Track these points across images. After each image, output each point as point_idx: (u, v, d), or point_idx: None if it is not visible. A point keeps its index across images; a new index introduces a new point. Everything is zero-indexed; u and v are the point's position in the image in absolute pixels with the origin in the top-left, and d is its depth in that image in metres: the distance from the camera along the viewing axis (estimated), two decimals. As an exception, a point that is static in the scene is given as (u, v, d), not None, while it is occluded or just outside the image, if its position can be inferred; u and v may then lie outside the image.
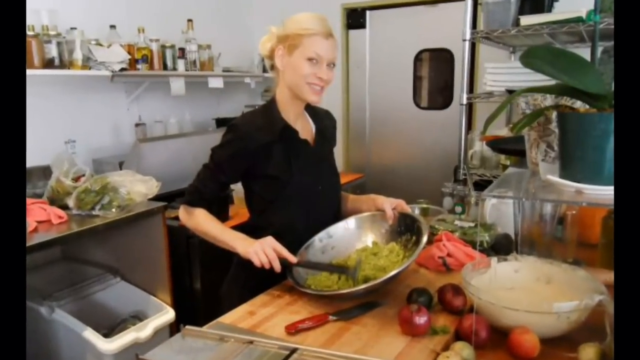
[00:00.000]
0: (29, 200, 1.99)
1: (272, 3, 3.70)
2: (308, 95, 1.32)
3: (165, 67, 2.91)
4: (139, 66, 2.71)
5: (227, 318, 1.19)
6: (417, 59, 3.47)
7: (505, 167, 2.31)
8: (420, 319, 1.05)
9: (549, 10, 2.20)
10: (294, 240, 1.37)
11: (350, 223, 1.47)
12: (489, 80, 2.40)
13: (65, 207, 2.03)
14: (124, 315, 2.25)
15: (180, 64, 2.95)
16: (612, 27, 1.89)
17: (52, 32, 2.31)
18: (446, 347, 1.01)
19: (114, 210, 2.01)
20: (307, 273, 1.34)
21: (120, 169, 2.43)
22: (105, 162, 2.61)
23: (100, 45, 2.54)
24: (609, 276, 1.11)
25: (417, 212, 1.97)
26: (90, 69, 2.46)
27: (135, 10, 2.93)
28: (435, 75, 3.54)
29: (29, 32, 2.23)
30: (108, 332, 2.10)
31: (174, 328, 2.15)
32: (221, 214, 2.33)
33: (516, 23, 2.16)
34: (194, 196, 1.39)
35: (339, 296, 1.23)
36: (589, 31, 2.00)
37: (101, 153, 2.76)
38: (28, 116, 1.99)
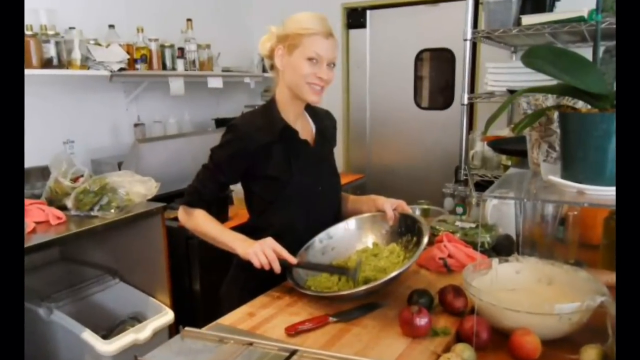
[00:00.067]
0: (27, 201, 1.99)
1: (272, 3, 3.69)
2: (308, 95, 1.32)
3: (164, 67, 2.90)
4: (137, 66, 2.71)
5: (227, 319, 1.18)
6: (418, 58, 3.46)
7: (506, 167, 2.31)
8: (421, 321, 1.05)
9: (551, 9, 2.20)
10: (294, 241, 1.36)
11: (350, 224, 1.46)
12: (490, 80, 2.40)
13: (63, 208, 2.03)
14: (123, 316, 2.25)
15: (180, 64, 2.94)
16: (614, 26, 1.90)
17: (50, 32, 2.31)
18: (447, 349, 1.01)
19: (112, 211, 2.00)
20: (307, 274, 1.34)
21: (119, 169, 2.42)
22: (104, 162, 2.61)
23: (99, 45, 2.53)
24: (611, 277, 1.12)
25: (417, 212, 1.97)
26: (88, 68, 2.46)
27: (134, 9, 2.92)
28: (436, 75, 3.53)
29: (27, 32, 2.22)
30: (107, 333, 2.09)
31: (173, 329, 2.15)
32: (220, 215, 2.32)
33: (517, 23, 2.16)
34: (193, 197, 1.39)
35: (339, 297, 1.23)
36: (590, 31, 2.00)
37: (100, 153, 2.76)
38: (26, 116, 1.97)
